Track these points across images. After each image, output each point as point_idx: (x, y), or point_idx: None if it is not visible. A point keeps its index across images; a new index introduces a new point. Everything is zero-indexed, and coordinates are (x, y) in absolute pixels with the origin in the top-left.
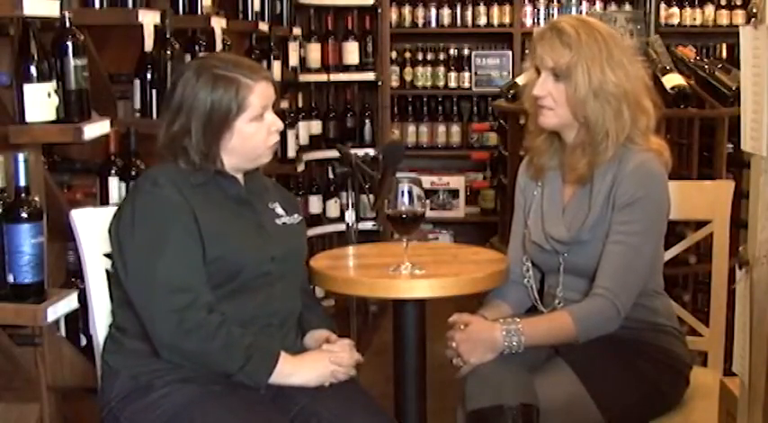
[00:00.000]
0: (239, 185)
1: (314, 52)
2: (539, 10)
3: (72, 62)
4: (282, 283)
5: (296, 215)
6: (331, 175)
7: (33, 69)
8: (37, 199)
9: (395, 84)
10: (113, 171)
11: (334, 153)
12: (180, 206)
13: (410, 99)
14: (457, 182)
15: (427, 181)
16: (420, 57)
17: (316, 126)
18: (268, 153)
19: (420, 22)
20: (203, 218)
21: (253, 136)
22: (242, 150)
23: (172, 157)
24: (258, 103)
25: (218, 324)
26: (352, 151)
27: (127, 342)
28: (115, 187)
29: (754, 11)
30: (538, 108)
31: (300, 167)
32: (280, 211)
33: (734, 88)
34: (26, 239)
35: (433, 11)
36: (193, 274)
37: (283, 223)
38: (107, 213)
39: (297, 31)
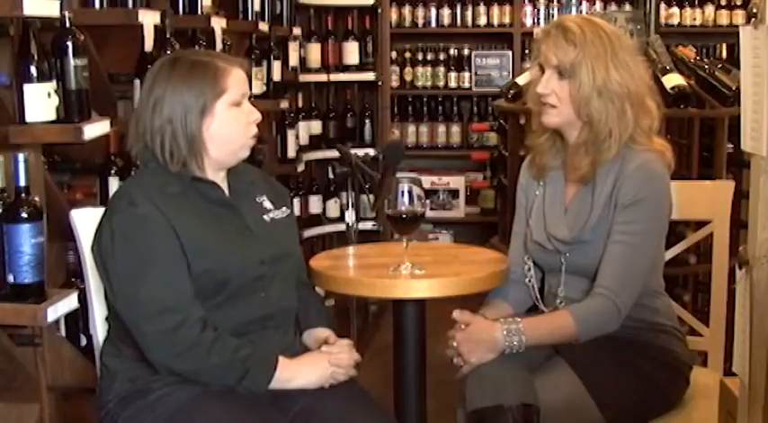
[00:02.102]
0: (219, 189)
1: (314, 52)
2: (539, 10)
3: (72, 62)
4: (276, 285)
5: (284, 208)
6: (331, 175)
7: (33, 69)
8: (37, 199)
9: (395, 84)
10: (113, 171)
11: (334, 153)
12: (158, 224)
13: (410, 99)
14: (457, 182)
15: (427, 181)
16: (420, 57)
17: (316, 126)
18: (248, 145)
19: (420, 22)
20: (184, 232)
21: (232, 122)
22: (222, 139)
23: (146, 163)
24: (236, 87)
25: (211, 341)
26: (352, 151)
27: (124, 348)
28: (115, 187)
29: (754, 11)
30: (541, 106)
31: (300, 167)
32: (268, 204)
33: (734, 88)
34: (26, 239)
35: (433, 11)
36: (180, 292)
37: (271, 219)
38: None
39: (297, 31)
